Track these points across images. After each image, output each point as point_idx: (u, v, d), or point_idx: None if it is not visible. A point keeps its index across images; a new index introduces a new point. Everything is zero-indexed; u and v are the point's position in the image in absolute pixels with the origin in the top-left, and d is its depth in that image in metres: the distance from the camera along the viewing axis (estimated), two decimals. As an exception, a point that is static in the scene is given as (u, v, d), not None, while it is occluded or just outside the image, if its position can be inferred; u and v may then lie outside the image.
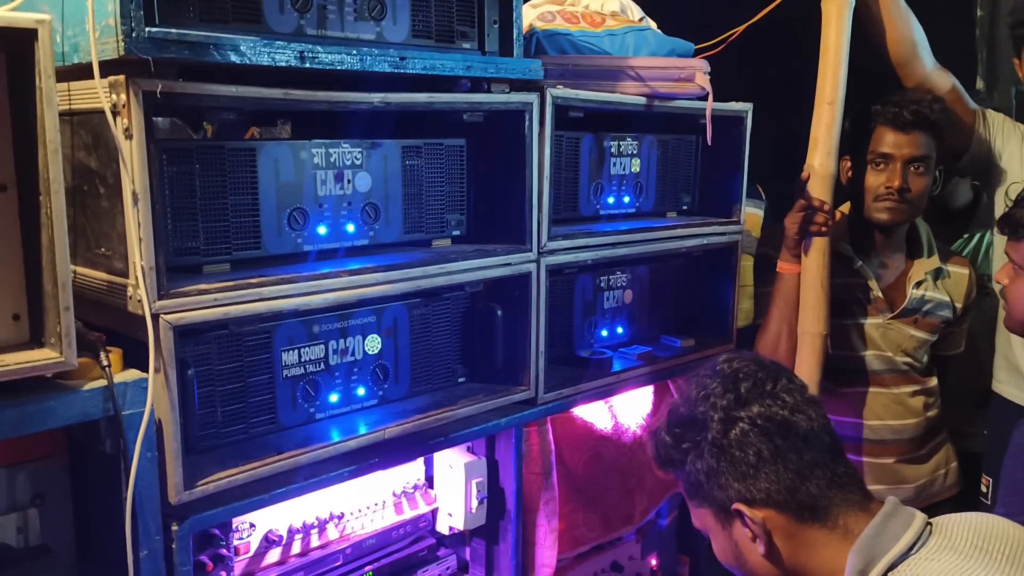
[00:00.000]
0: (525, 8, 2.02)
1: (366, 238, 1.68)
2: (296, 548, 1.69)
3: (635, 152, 2.17)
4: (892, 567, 1.19)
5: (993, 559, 1.18)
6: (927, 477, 2.34)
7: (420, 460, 1.90)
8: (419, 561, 1.91)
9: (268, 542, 1.64)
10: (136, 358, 1.33)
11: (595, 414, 2.18)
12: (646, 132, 2.19)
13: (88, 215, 1.40)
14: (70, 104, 1.37)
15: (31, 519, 1.39)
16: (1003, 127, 2.35)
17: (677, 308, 2.36)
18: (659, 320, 2.32)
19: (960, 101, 2.33)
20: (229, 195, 1.47)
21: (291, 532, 1.67)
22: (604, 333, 2.18)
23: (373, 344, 1.69)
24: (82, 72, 1.30)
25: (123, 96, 1.24)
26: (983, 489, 2.34)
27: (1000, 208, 2.27)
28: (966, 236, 2.68)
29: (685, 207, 2.35)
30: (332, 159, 1.60)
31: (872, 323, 2.26)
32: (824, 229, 2.09)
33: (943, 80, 2.31)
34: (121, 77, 1.24)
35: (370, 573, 1.80)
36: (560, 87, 1.82)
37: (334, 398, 1.65)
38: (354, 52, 1.48)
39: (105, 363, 1.28)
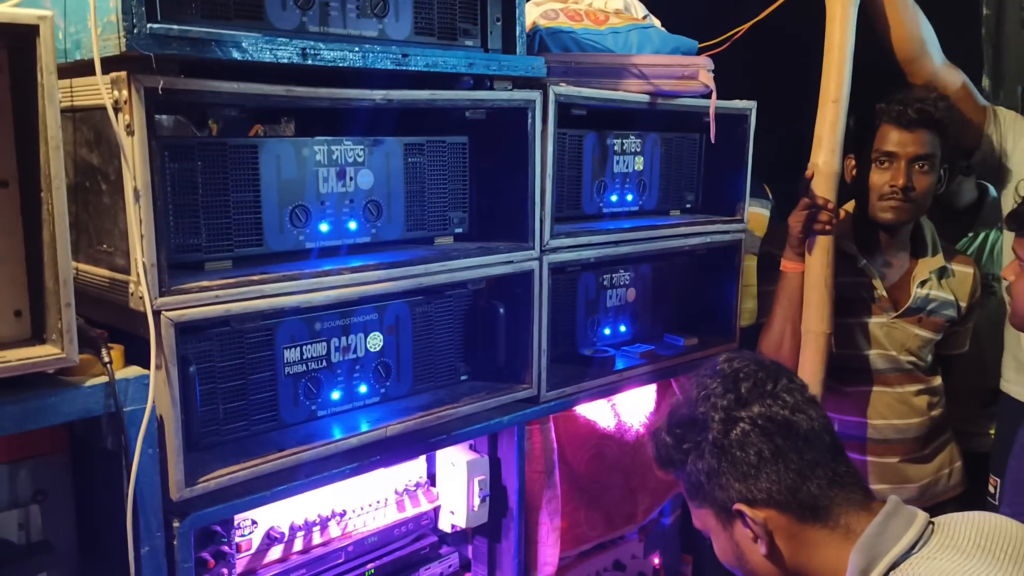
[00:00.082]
0: (528, 5, 2.02)
1: (368, 235, 1.67)
2: (298, 545, 1.69)
3: (638, 150, 2.16)
4: (894, 566, 1.19)
5: (995, 558, 1.18)
6: (931, 476, 2.33)
7: (422, 458, 1.90)
8: (421, 559, 1.91)
9: (270, 539, 1.64)
10: (138, 355, 1.33)
11: (598, 412, 2.18)
12: (649, 130, 2.18)
13: (90, 212, 1.41)
14: (72, 100, 1.37)
15: (33, 515, 1.39)
16: (1015, 124, 2.34)
17: (680, 307, 2.36)
18: (662, 319, 2.31)
19: (970, 98, 2.32)
20: (231, 192, 1.47)
21: (293, 529, 1.67)
22: (607, 331, 2.17)
23: (375, 342, 1.69)
24: (84, 68, 1.30)
25: (125, 92, 1.24)
26: (991, 490, 2.32)
27: (1009, 205, 2.26)
28: (971, 235, 2.67)
29: (688, 205, 2.34)
30: (334, 156, 1.60)
31: (876, 322, 2.26)
32: (828, 227, 2.09)
33: (953, 77, 2.30)
34: (123, 73, 1.24)
35: (372, 571, 1.80)
36: (563, 85, 1.82)
37: (336, 395, 1.65)
38: (356, 49, 1.48)
39: (107, 360, 1.28)
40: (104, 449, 1.33)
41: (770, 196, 3.13)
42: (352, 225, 1.64)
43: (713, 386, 1.31)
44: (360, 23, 1.54)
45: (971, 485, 2.42)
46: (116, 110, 1.26)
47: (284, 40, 1.39)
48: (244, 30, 1.37)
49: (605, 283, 2.14)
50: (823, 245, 2.10)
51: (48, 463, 1.41)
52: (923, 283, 2.26)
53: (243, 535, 1.59)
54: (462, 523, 1.90)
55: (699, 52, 2.16)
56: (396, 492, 1.85)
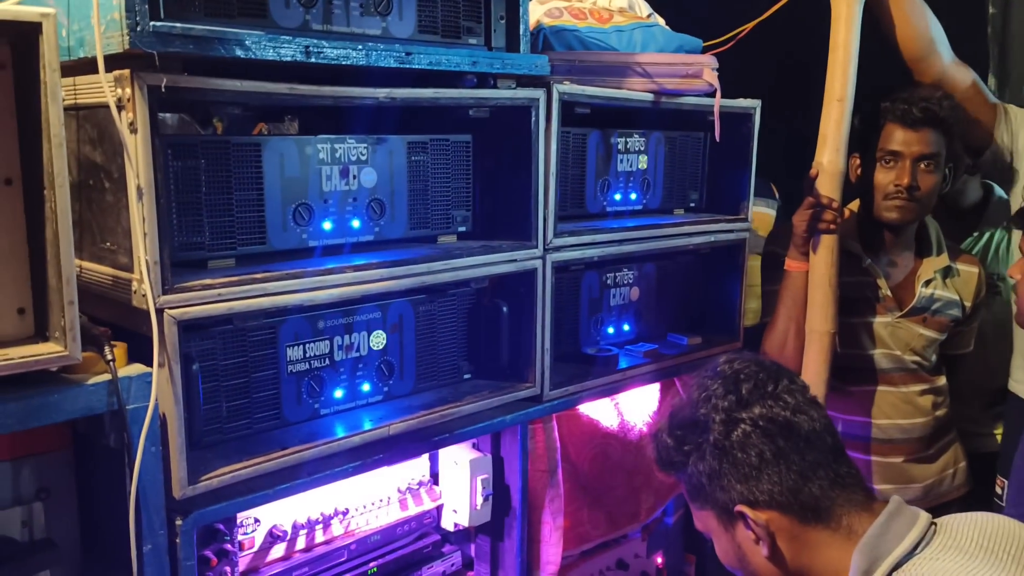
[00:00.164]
0: (532, 4, 2.01)
1: (371, 234, 1.67)
2: (301, 544, 1.69)
3: (642, 149, 2.16)
4: (897, 567, 1.18)
5: (998, 559, 1.17)
6: (935, 477, 2.33)
7: (425, 456, 1.90)
8: (424, 558, 1.91)
9: (273, 537, 1.64)
10: (141, 353, 1.34)
11: (601, 411, 2.18)
12: (653, 129, 2.18)
13: (93, 210, 1.41)
14: (75, 98, 1.38)
15: (35, 513, 1.39)
16: None
17: (684, 306, 2.36)
18: (666, 318, 2.31)
19: (980, 96, 2.30)
20: (234, 190, 1.47)
21: (296, 528, 1.67)
22: (610, 330, 2.17)
23: (378, 340, 1.68)
24: (87, 66, 1.30)
25: (128, 90, 1.24)
26: (998, 491, 2.31)
27: (1018, 203, 2.25)
28: (976, 235, 2.65)
29: (692, 204, 2.34)
30: (337, 154, 1.60)
31: (881, 322, 2.25)
32: (833, 227, 2.08)
33: (962, 75, 2.29)
34: (126, 71, 1.24)
35: (374, 569, 1.80)
36: (567, 83, 1.81)
37: (339, 394, 1.65)
38: (359, 47, 1.47)
39: (109, 357, 1.28)
40: (107, 447, 1.33)
41: (777, 196, 3.12)
42: (355, 223, 1.64)
43: (714, 387, 1.30)
44: (364, 21, 1.54)
45: (975, 486, 2.41)
46: (119, 108, 1.26)
47: (287, 38, 1.39)
48: (247, 28, 1.37)
49: (608, 282, 2.13)
50: (827, 244, 2.10)
51: (51, 461, 1.41)
52: (928, 283, 2.25)
53: (246, 533, 1.59)
54: (465, 522, 1.90)
55: (703, 51, 2.16)
56: (399, 491, 1.85)
